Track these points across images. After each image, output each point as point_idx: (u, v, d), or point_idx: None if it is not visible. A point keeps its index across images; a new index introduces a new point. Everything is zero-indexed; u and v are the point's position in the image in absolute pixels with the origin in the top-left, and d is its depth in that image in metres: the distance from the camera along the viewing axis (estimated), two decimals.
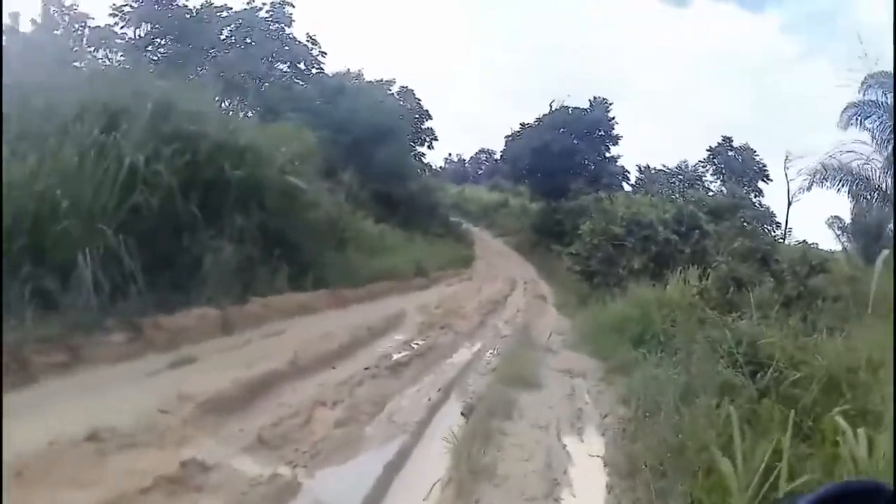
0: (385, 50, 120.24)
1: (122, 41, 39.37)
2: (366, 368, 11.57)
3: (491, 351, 15.72)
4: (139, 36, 40.20)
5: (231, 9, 43.92)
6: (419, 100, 57.19)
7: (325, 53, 45.85)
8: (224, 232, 14.73)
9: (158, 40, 41.93)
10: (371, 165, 38.42)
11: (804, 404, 7.91)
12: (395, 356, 13.04)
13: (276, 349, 11.64)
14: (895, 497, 1.71)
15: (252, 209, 15.95)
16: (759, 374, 8.97)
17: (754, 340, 10.00)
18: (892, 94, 20.25)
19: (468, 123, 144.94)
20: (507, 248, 55.42)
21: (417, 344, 14.72)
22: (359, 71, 49.87)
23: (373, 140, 39.50)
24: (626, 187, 53.77)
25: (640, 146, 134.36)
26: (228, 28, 43.67)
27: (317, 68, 46.83)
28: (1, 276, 8.89)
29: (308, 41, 45.40)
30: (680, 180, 57.45)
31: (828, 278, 17.67)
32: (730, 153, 60.12)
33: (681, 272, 19.62)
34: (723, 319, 12.10)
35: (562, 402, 11.57)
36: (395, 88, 53.23)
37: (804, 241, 29.22)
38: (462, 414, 10.08)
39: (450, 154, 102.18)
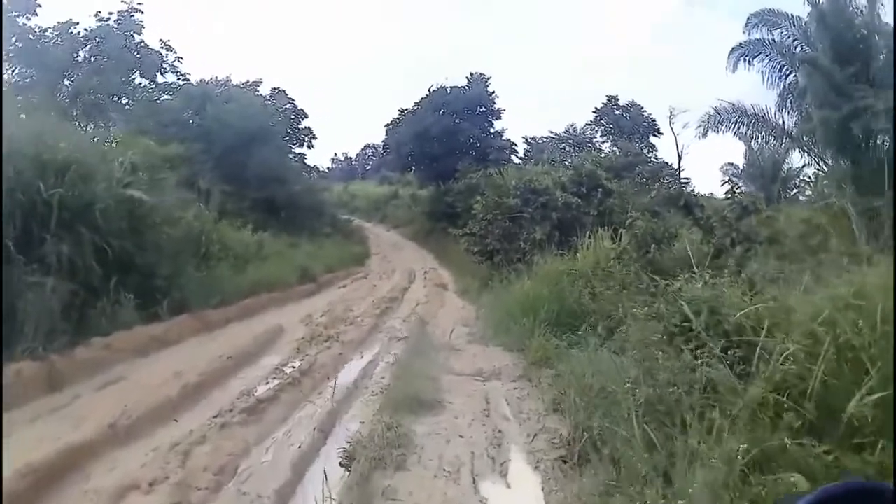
0: (254, 53, 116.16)
1: None
2: (214, 416, 9.05)
3: (385, 361, 13.37)
4: None
5: (85, 28, 39.75)
6: (292, 99, 54.16)
7: (181, 59, 42.13)
8: (46, 264, 11.96)
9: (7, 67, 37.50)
10: (246, 172, 36.14)
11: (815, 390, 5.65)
12: (260, 390, 10.55)
13: (105, 405, 9.25)
14: (895, 497, 1.65)
15: (81, 233, 12.97)
16: (729, 352, 6.69)
17: (716, 308, 7.39)
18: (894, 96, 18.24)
19: (351, 120, 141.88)
20: (402, 240, 53.71)
21: (293, 367, 12.18)
22: (227, 77, 46.74)
23: (244, 145, 36.61)
24: (516, 161, 50.16)
25: (525, 121, 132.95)
26: (84, 49, 39.50)
27: (181, 77, 43.06)
28: (1, 282, 9.11)
29: (162, 48, 41.63)
30: (570, 144, 55.14)
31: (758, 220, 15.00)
32: (617, 112, 58.13)
33: (589, 237, 16.93)
34: (657, 284, 9.39)
35: (474, 425, 8.98)
36: (264, 90, 50.90)
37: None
38: (341, 464, 7.47)
39: (335, 154, 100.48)
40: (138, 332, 13.28)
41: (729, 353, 6.64)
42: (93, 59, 38.96)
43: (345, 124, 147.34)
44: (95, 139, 18.91)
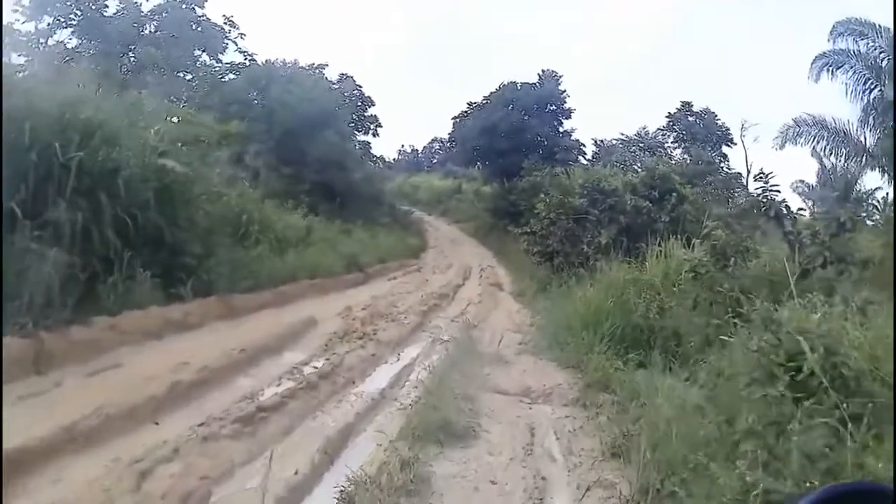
0: (321, 37, 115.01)
1: (24, 38, 34.62)
2: (200, 424, 7.39)
3: (423, 366, 11.58)
4: (37, 29, 35.36)
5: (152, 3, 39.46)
6: (360, 86, 52.55)
7: (244, 35, 41.51)
8: (57, 232, 10.50)
9: (68, 38, 37.12)
10: (306, 155, 34.44)
11: None
12: (266, 394, 8.90)
13: (85, 396, 7.65)
14: (895, 498, 1.71)
15: (100, 200, 11.53)
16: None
17: (831, 346, 5.64)
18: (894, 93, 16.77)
19: (421, 112, 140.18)
20: (462, 235, 51.91)
21: (314, 367, 10.50)
22: (294, 60, 45.28)
23: (305, 128, 35.46)
24: (583, 162, 48.59)
25: (596, 122, 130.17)
26: (150, 24, 38.93)
27: (247, 57, 42.68)
28: (1, 275, 8.37)
29: (225, 23, 40.96)
30: (641, 148, 52.76)
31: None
32: (690, 118, 55.22)
33: (660, 245, 15.21)
34: (757, 309, 7.47)
35: (511, 467, 7.17)
36: (332, 75, 49.65)
37: None
38: None
39: (402, 145, 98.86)
40: (152, 314, 11.63)
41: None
42: (157, 33, 38.41)
43: (414, 116, 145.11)
44: (135, 106, 16.70)
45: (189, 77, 39.16)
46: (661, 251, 14.97)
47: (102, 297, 11.06)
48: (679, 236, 15.66)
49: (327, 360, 11.04)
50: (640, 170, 25.18)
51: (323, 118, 37.08)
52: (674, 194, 21.68)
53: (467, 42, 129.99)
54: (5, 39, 30.51)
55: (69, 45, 36.01)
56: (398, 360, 12.32)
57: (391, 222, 42.61)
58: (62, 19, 36.01)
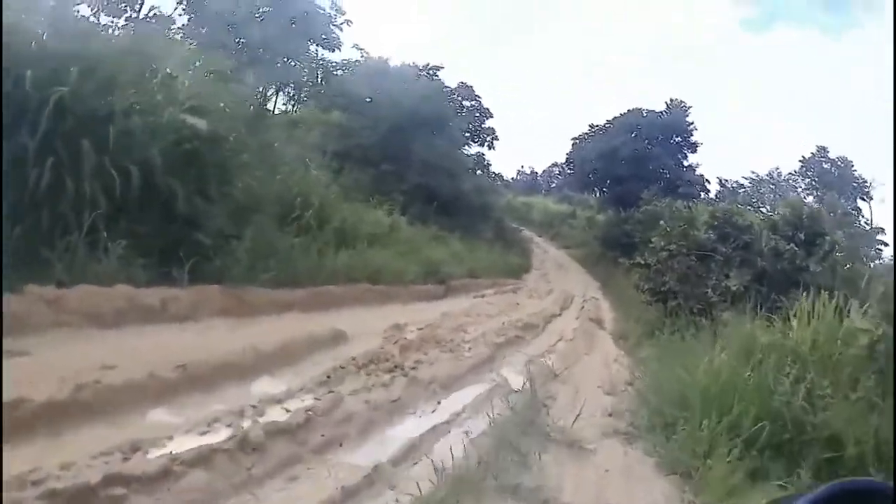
0: (441, 44, 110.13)
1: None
2: None
3: (463, 431, 7.75)
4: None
5: None
6: (478, 97, 48.82)
7: (350, 22, 38.29)
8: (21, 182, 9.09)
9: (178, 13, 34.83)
10: (410, 155, 32.67)
11: None
12: (157, 451, 5.53)
13: None
14: (895, 497, 1.67)
15: (81, 148, 9.75)
16: None
17: None
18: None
19: (542, 136, 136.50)
20: (569, 261, 47.92)
21: (286, 410, 7.07)
22: (413, 62, 43.12)
23: (414, 128, 33.40)
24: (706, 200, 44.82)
25: (722, 160, 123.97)
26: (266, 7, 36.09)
27: (362, 54, 40.85)
28: (1, 273, 7.34)
29: (331, 7, 37.94)
30: (771, 191, 48.56)
31: None
32: (825, 165, 51.32)
33: (806, 297, 10.61)
34: None
35: None
36: (449, 82, 46.29)
37: None
38: None
39: (522, 166, 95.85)
40: (115, 293, 9.00)
41: None
42: (266, 18, 35.54)
43: (535, 138, 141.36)
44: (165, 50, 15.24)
45: (295, 64, 37.58)
46: (811, 309, 10.41)
47: (53, 263, 8.89)
48: (833, 292, 11.31)
49: (316, 399, 7.51)
50: (785, 205, 20.47)
51: (433, 120, 35.57)
52: (826, 238, 17.39)
53: (601, 64, 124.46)
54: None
55: (180, 23, 33.95)
56: (429, 413, 8.46)
57: (494, 238, 40.05)
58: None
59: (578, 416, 8.68)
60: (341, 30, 37.62)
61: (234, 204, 12.71)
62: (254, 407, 6.89)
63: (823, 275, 15.39)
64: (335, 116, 31.55)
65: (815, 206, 27.54)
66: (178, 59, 14.59)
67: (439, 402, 8.82)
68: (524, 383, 9.75)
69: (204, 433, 5.99)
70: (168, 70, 13.01)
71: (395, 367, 9.80)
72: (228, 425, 6.21)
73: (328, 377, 8.59)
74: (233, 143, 13.11)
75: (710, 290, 16.68)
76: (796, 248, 16.68)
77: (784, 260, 16.52)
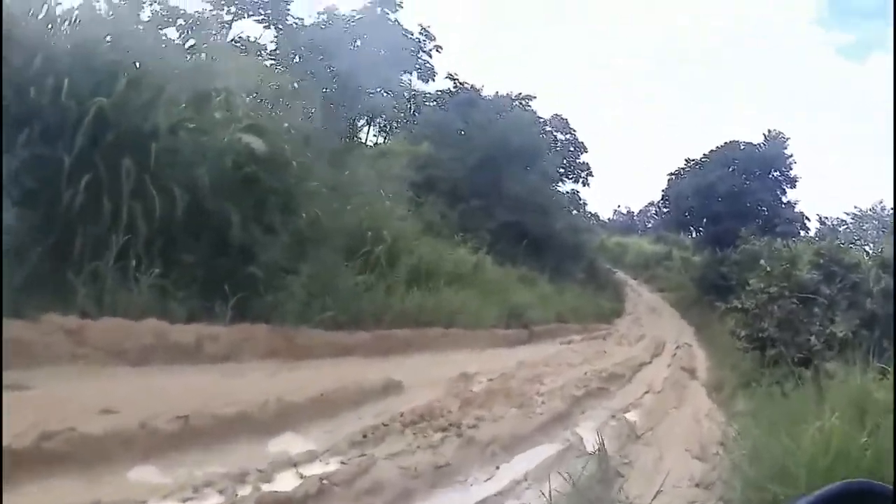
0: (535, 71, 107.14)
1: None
2: None
3: None
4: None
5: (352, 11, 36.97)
6: (573, 130, 48.00)
7: (440, 48, 38.07)
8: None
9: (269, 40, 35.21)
10: (500, 189, 31.56)
11: None
12: None
13: None
14: (895, 498, 1.61)
15: (120, 165, 9.13)
16: None
17: None
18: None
19: (640, 174, 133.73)
20: (663, 305, 45.58)
21: (300, 474, 6.12)
22: (508, 93, 41.91)
23: (504, 161, 32.33)
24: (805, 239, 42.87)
25: (820, 193, 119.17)
26: (353, 36, 35.73)
27: (458, 85, 40.21)
28: (0, 272, 6.79)
29: (420, 33, 37.63)
30: (875, 227, 46.01)
31: None
32: None
33: None
34: None
35: None
36: (543, 112, 45.26)
37: None
38: None
39: (618, 205, 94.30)
40: (144, 328, 8.26)
41: None
42: (358, 45, 35.55)
43: (633, 177, 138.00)
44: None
45: (386, 95, 36.42)
46: None
47: (78, 290, 8.22)
48: None
49: (342, 463, 6.59)
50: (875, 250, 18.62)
51: (526, 154, 34.50)
52: None
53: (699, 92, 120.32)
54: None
55: (268, 48, 34.13)
56: (482, 482, 7.25)
57: (587, 280, 38.77)
58: (248, 13, 34.77)
59: (659, 491, 7.37)
60: (430, 56, 37.43)
61: (298, 235, 11.80)
62: (260, 471, 5.84)
63: None
64: (424, 148, 30.34)
65: None
66: (245, 76, 13.91)
67: (497, 468, 7.64)
68: (596, 448, 8.44)
69: (187, 500, 5.20)
70: (227, 86, 12.32)
71: (450, 424, 8.60)
72: (220, 491, 5.34)
73: (365, 436, 7.43)
74: (298, 169, 12.32)
75: (813, 337, 15.10)
76: None
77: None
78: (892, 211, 46.92)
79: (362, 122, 36.46)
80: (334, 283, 12.14)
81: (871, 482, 1.83)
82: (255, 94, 14.05)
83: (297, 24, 34.43)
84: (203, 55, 15.08)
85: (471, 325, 16.53)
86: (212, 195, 9.99)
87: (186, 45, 16.12)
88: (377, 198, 17.42)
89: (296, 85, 18.88)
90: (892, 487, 1.61)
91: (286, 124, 13.45)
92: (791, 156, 46.72)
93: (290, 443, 6.78)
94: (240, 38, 31.75)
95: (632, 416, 12.31)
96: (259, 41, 32.70)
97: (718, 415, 13.94)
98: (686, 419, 13.17)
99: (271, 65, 30.18)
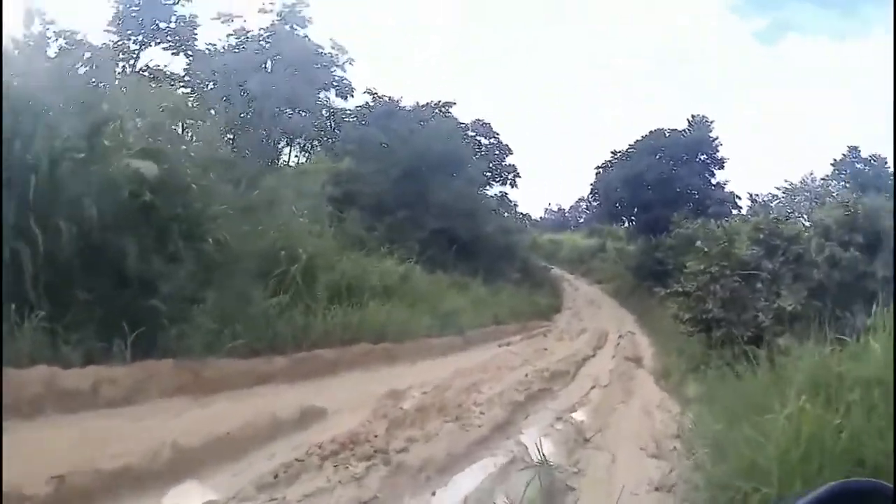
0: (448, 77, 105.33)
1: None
2: None
3: None
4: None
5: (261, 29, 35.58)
6: (496, 133, 47.49)
7: (353, 61, 36.71)
8: None
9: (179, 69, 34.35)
10: (427, 200, 31.26)
11: None
12: None
13: None
14: (895, 497, 1.68)
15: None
16: None
17: None
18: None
19: (568, 171, 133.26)
20: (602, 296, 45.82)
21: None
22: (427, 103, 41.82)
23: (428, 170, 32.07)
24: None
25: (748, 172, 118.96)
26: (265, 56, 34.86)
27: (375, 98, 39.68)
28: (0, 281, 7.40)
29: (333, 47, 36.35)
30: (807, 198, 45.90)
31: None
32: (857, 165, 47.91)
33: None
34: None
35: None
36: (463, 118, 44.98)
37: None
38: None
39: (549, 204, 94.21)
40: (31, 376, 7.37)
41: None
42: (270, 66, 34.95)
43: (562, 173, 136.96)
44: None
45: (304, 114, 35.60)
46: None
47: None
48: None
49: None
50: (837, 204, 17.79)
51: (449, 161, 34.08)
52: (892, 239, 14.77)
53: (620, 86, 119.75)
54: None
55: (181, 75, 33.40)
56: None
57: (522, 279, 38.25)
58: (154, 41, 33.78)
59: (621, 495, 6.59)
60: (344, 70, 36.58)
61: (207, 261, 10.97)
62: None
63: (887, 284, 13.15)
64: (345, 163, 29.29)
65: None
66: (143, 103, 13.05)
67: (433, 494, 6.86)
68: (542, 459, 7.63)
69: None
70: (122, 113, 11.55)
71: (376, 451, 7.67)
72: None
73: (276, 476, 6.50)
74: (200, 193, 11.46)
75: (760, 314, 14.57)
76: (857, 254, 14.40)
77: (843, 269, 14.28)
78: (821, 182, 47.20)
79: (283, 143, 36.04)
80: (245, 308, 11.38)
81: (871, 481, 1.85)
82: (152, 120, 12.69)
83: (209, 49, 33.77)
84: (103, 85, 14.40)
85: (401, 337, 15.74)
86: (106, 227, 9.23)
87: (91, 78, 15.39)
88: (291, 217, 16.61)
89: (212, 111, 18.14)
90: (892, 487, 1.59)
91: (184, 148, 12.74)
92: (716, 138, 47.10)
93: (187, 494, 5.90)
94: (147, 66, 31.30)
95: (579, 415, 11.61)
96: (168, 69, 32.41)
97: (670, 403, 13.44)
98: (636, 413, 12.50)
99: (184, 92, 29.14)
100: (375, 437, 8.17)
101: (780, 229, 15.83)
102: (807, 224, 18.69)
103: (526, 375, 14.32)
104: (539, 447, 8.22)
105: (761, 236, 15.73)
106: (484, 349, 18.97)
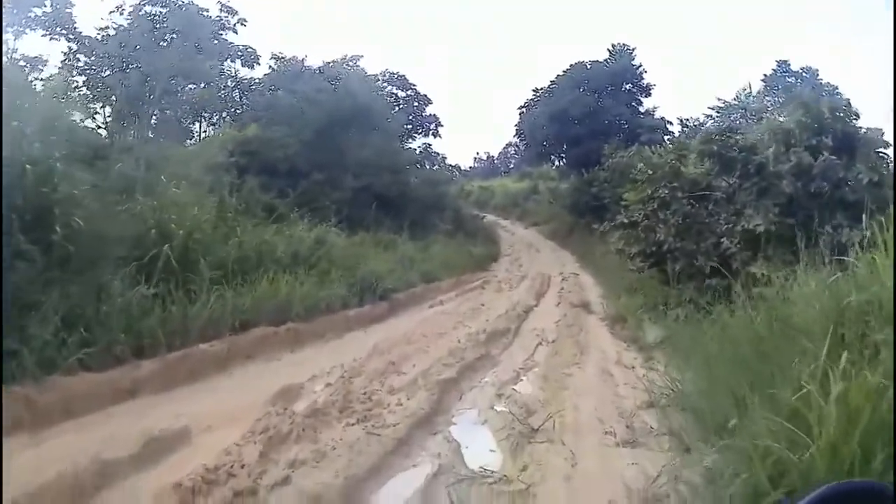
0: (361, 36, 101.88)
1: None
2: None
3: None
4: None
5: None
6: (413, 84, 45.68)
7: (245, 22, 34.62)
8: None
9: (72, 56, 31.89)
10: (345, 158, 29.81)
11: None
12: None
13: None
14: (895, 498, 1.66)
15: None
16: None
17: None
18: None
19: (496, 119, 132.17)
20: (539, 239, 44.34)
21: None
22: (335, 60, 40.02)
23: (341, 128, 31.12)
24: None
25: (677, 98, 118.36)
26: (168, 35, 33.16)
27: (276, 62, 38.71)
28: (0, 287, 6.92)
29: (222, 10, 34.39)
30: (743, 116, 44.25)
31: None
32: (789, 79, 46.67)
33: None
34: None
35: None
36: (373, 70, 43.47)
37: None
38: None
39: (477, 153, 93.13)
40: None
41: None
42: (165, 40, 32.92)
43: (489, 122, 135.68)
44: None
45: (205, 86, 34.70)
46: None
47: None
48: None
49: None
50: (797, 105, 15.40)
51: (364, 116, 32.72)
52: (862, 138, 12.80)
53: (536, 30, 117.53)
54: None
55: (78, 64, 31.37)
56: None
57: (454, 230, 36.92)
58: (31, 28, 31.16)
59: None
60: (236, 32, 34.70)
61: (57, 255, 8.63)
62: None
63: (877, 188, 11.19)
64: (251, 130, 28.04)
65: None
66: None
67: None
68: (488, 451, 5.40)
69: None
70: None
71: (243, 490, 5.33)
72: None
73: None
74: (44, 176, 9.10)
75: (724, 239, 12.53)
76: (835, 159, 12.10)
77: (811, 179, 11.99)
78: (756, 94, 45.75)
79: (188, 120, 35.02)
80: (100, 305, 8.88)
81: (871, 482, 2.22)
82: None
83: (101, 34, 31.34)
84: None
85: (310, 313, 13.44)
86: None
87: None
88: (165, 189, 14.00)
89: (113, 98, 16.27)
90: (892, 487, 1.59)
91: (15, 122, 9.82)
92: (640, 66, 46.20)
93: None
94: (23, 55, 28.73)
95: (525, 386, 9.49)
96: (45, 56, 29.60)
97: (631, 356, 11.53)
98: (594, 377, 10.13)
99: (66, 79, 28.21)
100: (243, 467, 5.82)
101: (735, 139, 13.64)
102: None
103: (459, 341, 12.24)
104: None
105: (715, 148, 13.52)
106: (412, 314, 16.89)
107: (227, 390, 8.66)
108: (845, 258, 6.66)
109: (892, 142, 12.39)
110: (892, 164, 12.33)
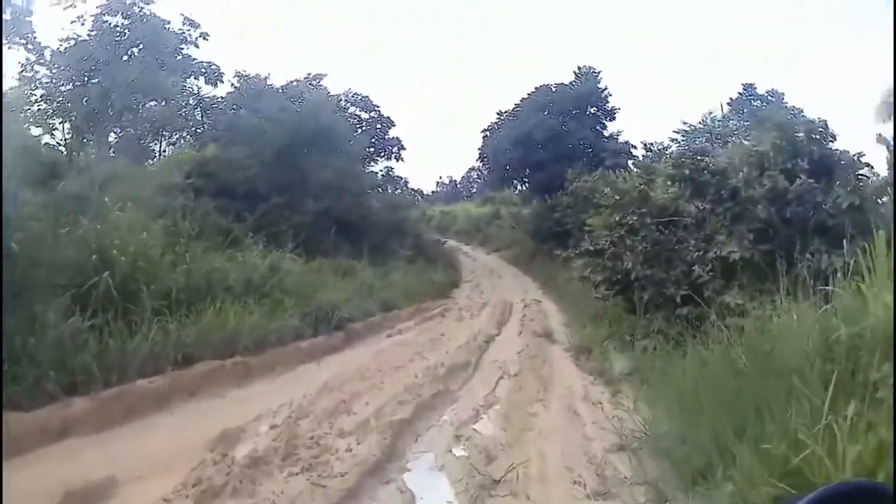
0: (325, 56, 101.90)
1: None
2: None
3: None
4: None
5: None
6: (377, 106, 44.79)
7: (207, 36, 34.32)
8: None
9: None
10: (306, 180, 28.88)
11: None
12: None
13: None
14: (895, 498, 1.56)
15: None
16: None
17: None
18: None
19: (460, 144, 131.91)
20: (502, 264, 43.69)
21: None
22: (297, 79, 39.36)
23: (302, 149, 29.97)
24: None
25: (642, 123, 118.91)
26: (132, 48, 32.73)
27: (239, 80, 37.20)
28: (1, 293, 7.04)
29: (184, 23, 33.78)
30: (709, 139, 44.03)
31: None
32: (755, 103, 46.17)
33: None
34: None
35: None
36: (336, 90, 42.67)
37: None
38: None
39: (440, 177, 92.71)
40: None
41: None
42: (131, 56, 32.43)
43: (452, 148, 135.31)
44: None
45: (165, 104, 33.26)
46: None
47: None
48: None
49: None
50: (771, 127, 14.83)
51: (325, 136, 31.63)
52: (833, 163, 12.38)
53: (500, 54, 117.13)
54: None
55: (37, 76, 30.41)
56: None
57: (414, 256, 35.93)
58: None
59: None
60: (198, 46, 34.40)
61: None
62: None
63: (856, 213, 10.61)
64: (210, 150, 27.24)
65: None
66: None
67: None
68: None
69: None
70: None
71: None
72: None
73: None
74: None
75: (695, 267, 11.99)
76: (812, 182, 11.60)
77: (792, 202, 11.51)
78: (721, 118, 45.64)
79: (148, 138, 33.81)
80: (27, 338, 8.20)
81: (871, 482, 2.18)
82: None
83: (62, 45, 30.59)
84: None
85: (260, 345, 12.83)
86: None
87: None
88: (107, 212, 13.07)
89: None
90: (892, 487, 1.52)
91: None
92: (605, 89, 45.76)
93: None
94: None
95: (486, 426, 8.95)
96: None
97: (598, 391, 10.97)
98: (559, 416, 9.54)
99: (24, 91, 27.22)
100: None
101: (706, 163, 13.16)
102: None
103: (416, 376, 11.72)
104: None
105: (687, 172, 13.06)
106: (368, 345, 16.21)
107: (166, 430, 8.05)
108: (826, 287, 6.45)
109: (890, 146, 12.05)
110: (878, 184, 11.93)
